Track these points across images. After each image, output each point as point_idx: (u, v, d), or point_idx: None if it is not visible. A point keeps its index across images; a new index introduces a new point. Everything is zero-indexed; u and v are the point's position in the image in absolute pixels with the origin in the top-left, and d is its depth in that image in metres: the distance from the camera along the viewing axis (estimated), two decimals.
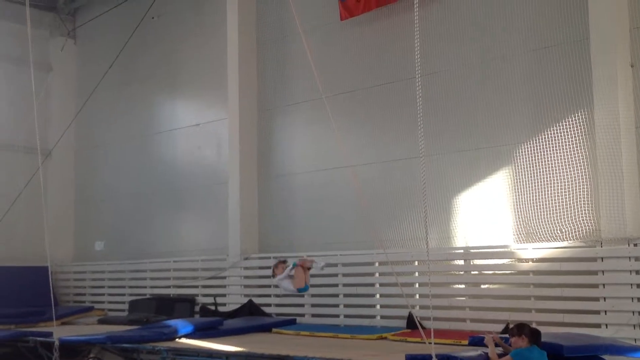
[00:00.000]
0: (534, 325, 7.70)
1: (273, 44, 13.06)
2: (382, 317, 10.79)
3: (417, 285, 10.43)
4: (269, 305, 12.23)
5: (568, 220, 9.11)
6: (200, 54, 14.28)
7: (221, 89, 13.41)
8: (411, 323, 9.98)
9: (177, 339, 10.34)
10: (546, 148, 9.41)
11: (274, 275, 9.65)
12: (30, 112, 12.38)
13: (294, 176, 12.62)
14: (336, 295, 11.34)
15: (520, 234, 9.62)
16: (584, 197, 9.02)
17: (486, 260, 9.87)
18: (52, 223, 14.48)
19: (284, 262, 9.65)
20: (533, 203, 9.50)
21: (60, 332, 10.92)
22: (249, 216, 12.84)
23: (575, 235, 9.04)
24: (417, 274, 10.48)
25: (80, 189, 16.76)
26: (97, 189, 16.36)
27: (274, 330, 11.05)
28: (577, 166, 9.09)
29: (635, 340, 8.29)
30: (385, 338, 9.70)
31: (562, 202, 9.19)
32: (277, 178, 12.85)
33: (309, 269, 9.44)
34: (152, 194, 14.99)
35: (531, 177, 9.53)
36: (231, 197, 12.92)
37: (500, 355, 6.99)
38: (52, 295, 11.45)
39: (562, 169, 9.23)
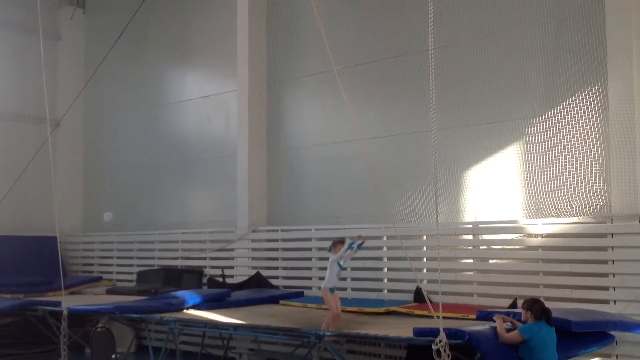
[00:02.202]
0: (542, 301, 7.65)
1: (283, 16, 12.94)
2: (390, 290, 10.79)
3: (425, 259, 10.41)
4: (276, 277, 12.25)
5: (579, 196, 9.04)
6: (211, 25, 14.17)
7: (231, 61, 13.31)
8: (418, 297, 9.98)
9: (185, 310, 10.39)
10: (558, 122, 9.29)
11: (330, 250, 9.31)
12: (39, 81, 12.34)
13: (303, 149, 12.56)
14: (344, 269, 11.30)
15: (530, 209, 9.55)
16: (595, 173, 8.93)
17: (495, 235, 9.82)
18: (61, 193, 14.52)
19: (342, 242, 9.24)
20: (544, 178, 9.42)
21: (68, 302, 10.99)
22: (257, 189, 12.82)
23: (586, 211, 8.97)
24: (425, 248, 10.45)
25: (89, 160, 16.77)
26: (106, 159, 16.36)
27: (281, 302, 11.08)
28: (589, 141, 8.99)
29: None
30: (393, 312, 9.70)
31: (573, 177, 9.11)
32: (286, 151, 12.80)
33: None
34: (161, 165, 14.98)
35: (542, 151, 9.44)
36: (240, 169, 12.88)
37: (508, 330, 6.98)
38: (60, 265, 11.50)
39: (574, 143, 9.12)
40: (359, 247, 9.15)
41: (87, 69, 16.04)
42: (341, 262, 9.20)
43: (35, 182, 14.70)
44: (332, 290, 9.22)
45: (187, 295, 10.87)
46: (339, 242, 9.28)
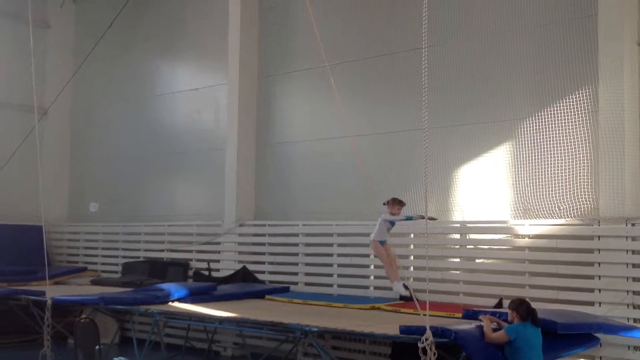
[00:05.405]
0: (528, 302, 7.68)
1: (275, 10, 12.90)
2: (376, 287, 10.78)
3: (412, 257, 10.42)
4: (262, 272, 12.22)
5: (567, 198, 9.09)
6: (202, 18, 14.10)
7: (222, 54, 13.26)
8: (405, 295, 9.99)
9: (170, 303, 10.34)
10: (548, 125, 9.34)
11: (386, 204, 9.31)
12: (27, 69, 12.22)
13: (292, 144, 12.55)
14: (330, 265, 11.33)
15: (517, 209, 9.60)
16: (584, 175, 8.99)
17: (482, 235, 9.85)
18: (47, 183, 14.41)
19: (401, 203, 9.32)
20: (532, 179, 9.47)
21: (53, 292, 10.90)
22: (245, 183, 12.79)
23: (573, 213, 9.03)
24: (412, 246, 10.46)
25: (76, 149, 16.65)
26: (93, 149, 16.25)
27: (267, 297, 11.07)
28: (578, 144, 9.04)
29: (628, 319, 8.31)
30: (379, 308, 9.72)
31: (562, 179, 9.16)
32: (275, 145, 12.78)
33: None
34: (149, 157, 14.90)
35: (532, 153, 9.48)
36: (228, 163, 12.85)
37: (494, 330, 7.00)
38: (45, 254, 11.39)
39: (564, 146, 9.18)
40: (408, 219, 9.27)
41: (75, 58, 15.91)
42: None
43: (21, 170, 14.58)
44: (382, 242, 9.44)
45: (173, 287, 10.83)
46: (399, 202, 9.31)
